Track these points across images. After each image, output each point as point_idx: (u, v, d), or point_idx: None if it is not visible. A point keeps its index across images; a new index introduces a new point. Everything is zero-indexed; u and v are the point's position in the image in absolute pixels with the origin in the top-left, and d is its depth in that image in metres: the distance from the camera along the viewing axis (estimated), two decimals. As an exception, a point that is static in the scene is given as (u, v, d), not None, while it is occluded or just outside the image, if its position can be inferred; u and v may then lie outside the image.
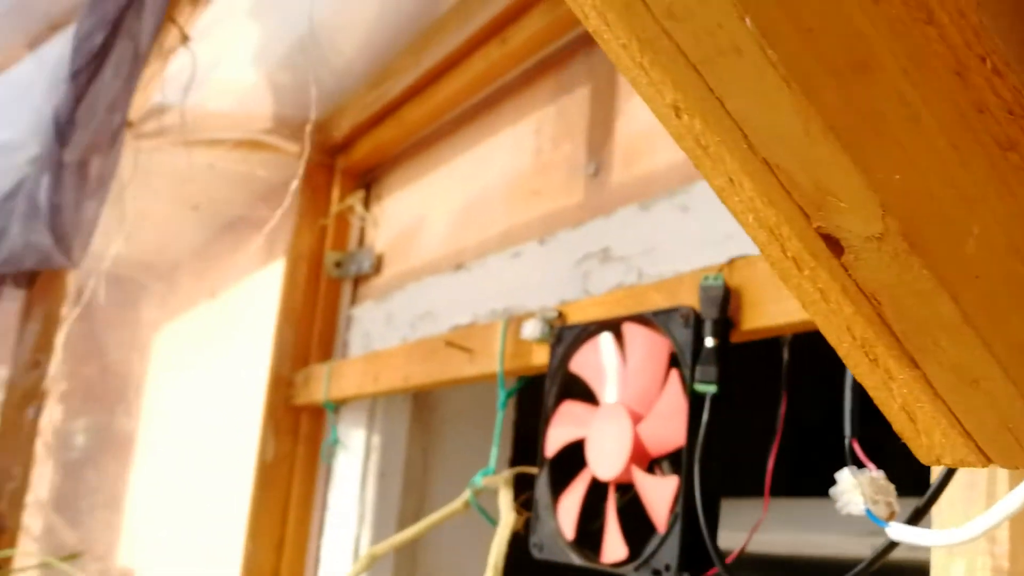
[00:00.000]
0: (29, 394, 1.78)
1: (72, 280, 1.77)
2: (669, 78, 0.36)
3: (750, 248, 0.97)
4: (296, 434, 1.95)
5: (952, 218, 0.36)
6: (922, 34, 0.32)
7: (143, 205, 1.75)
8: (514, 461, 1.62)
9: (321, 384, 1.80)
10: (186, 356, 2.41)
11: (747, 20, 0.31)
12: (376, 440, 1.82)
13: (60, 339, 1.76)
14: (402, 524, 1.78)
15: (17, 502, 1.77)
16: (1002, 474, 0.69)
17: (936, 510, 0.69)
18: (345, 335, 1.98)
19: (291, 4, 1.65)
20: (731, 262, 0.95)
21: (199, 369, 2.33)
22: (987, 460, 0.41)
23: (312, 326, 1.99)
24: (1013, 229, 0.38)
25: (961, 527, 0.62)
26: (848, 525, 1.41)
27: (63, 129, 1.25)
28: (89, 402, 2.27)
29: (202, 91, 1.68)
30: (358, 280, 2.00)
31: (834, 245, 0.37)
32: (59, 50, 1.20)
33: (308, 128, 1.80)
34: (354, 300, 1.99)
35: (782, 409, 0.89)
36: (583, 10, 0.36)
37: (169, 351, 2.54)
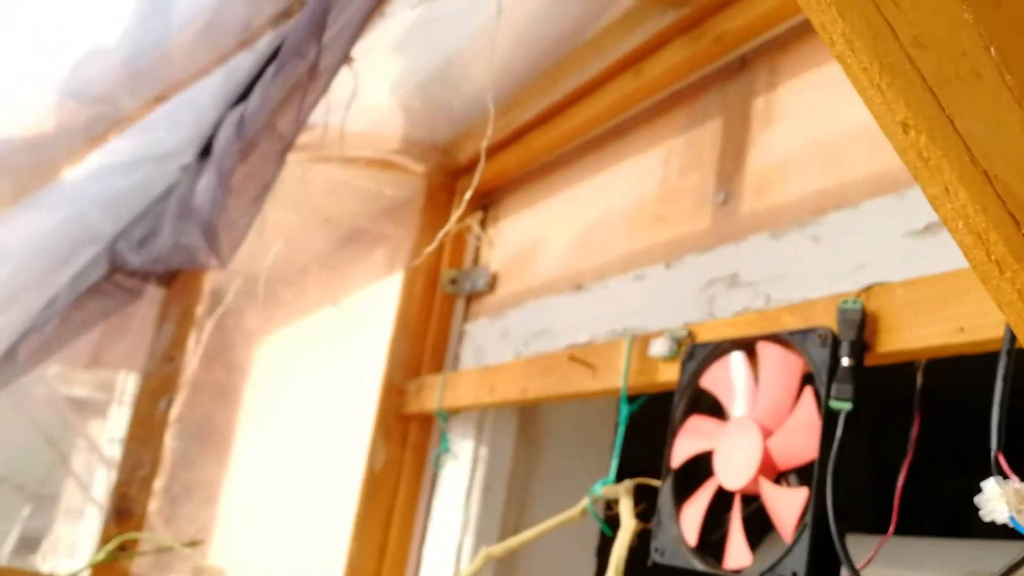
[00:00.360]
0: (162, 387, 1.89)
1: (208, 281, 1.88)
2: (903, 98, 0.42)
3: (884, 277, 1.02)
4: (404, 442, 2.02)
5: None
6: None
7: (278, 214, 1.85)
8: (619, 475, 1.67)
9: (435, 393, 1.88)
10: (305, 359, 2.51)
11: (992, 49, 0.37)
12: (483, 451, 1.89)
13: (194, 337, 1.87)
14: (503, 535, 1.84)
15: (146, 488, 1.88)
16: None
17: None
18: (457, 349, 2.05)
19: (432, 39, 1.75)
20: (868, 288, 1.00)
21: (316, 373, 2.43)
22: None
23: (425, 338, 2.07)
24: None
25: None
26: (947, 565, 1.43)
27: (229, 139, 1.35)
28: (213, 398, 2.39)
29: (341, 113, 1.78)
30: (471, 297, 2.08)
31: (1039, 249, 0.43)
32: (236, 63, 1.31)
33: (431, 149, 1.89)
34: (467, 316, 2.07)
35: (914, 431, 0.93)
36: (831, 37, 0.43)
37: (288, 354, 2.65)
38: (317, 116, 1.72)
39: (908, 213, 1.07)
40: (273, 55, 1.29)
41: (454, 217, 1.56)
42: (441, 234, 1.34)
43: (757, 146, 1.36)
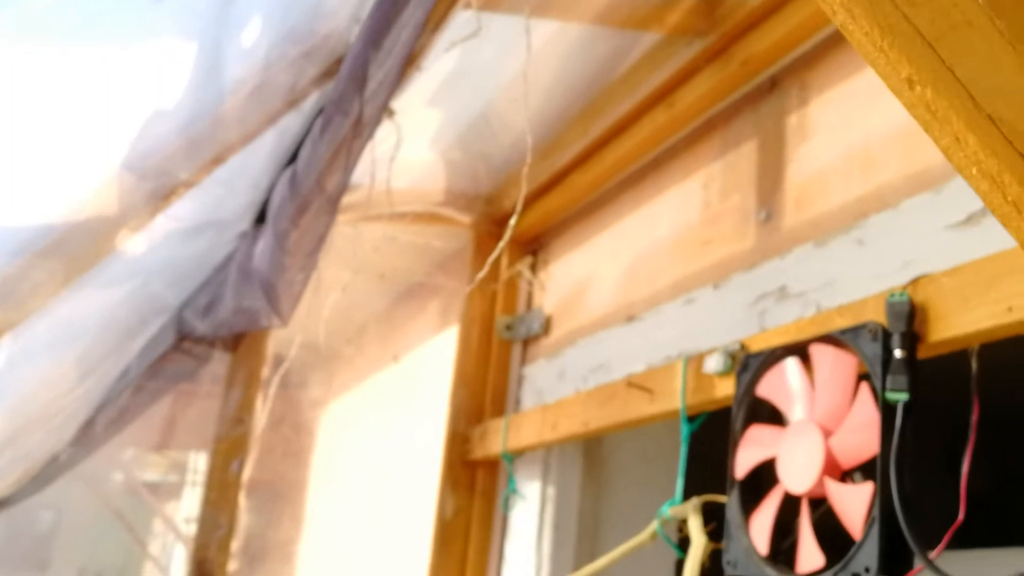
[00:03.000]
0: (233, 450, 1.93)
1: (271, 344, 1.94)
2: (905, 56, 0.45)
3: (930, 270, 1.03)
4: (472, 489, 2.04)
5: None
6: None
7: (332, 274, 1.91)
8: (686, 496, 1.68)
9: (499, 437, 1.90)
10: (370, 415, 2.55)
11: (979, -3, 0.40)
12: (551, 491, 1.90)
13: (261, 398, 1.92)
14: (577, 571, 1.85)
15: (224, 550, 1.92)
16: None
17: None
18: (517, 393, 2.08)
19: (467, 89, 1.81)
20: (915, 280, 1.01)
21: (382, 428, 2.47)
22: None
23: (485, 386, 2.11)
24: None
25: None
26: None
27: (283, 199, 1.41)
28: (284, 458, 2.43)
29: (386, 169, 1.84)
30: (528, 341, 2.11)
31: (1052, 185, 0.45)
32: (284, 125, 1.37)
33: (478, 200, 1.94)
34: (524, 360, 2.10)
35: (974, 417, 0.94)
36: (832, 8, 0.46)
37: (354, 411, 2.69)
38: (363, 175, 1.78)
39: (947, 207, 1.08)
40: (318, 114, 1.35)
41: (489, 259, 1.59)
42: (479, 276, 1.35)
43: (794, 161, 1.38)
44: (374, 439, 2.53)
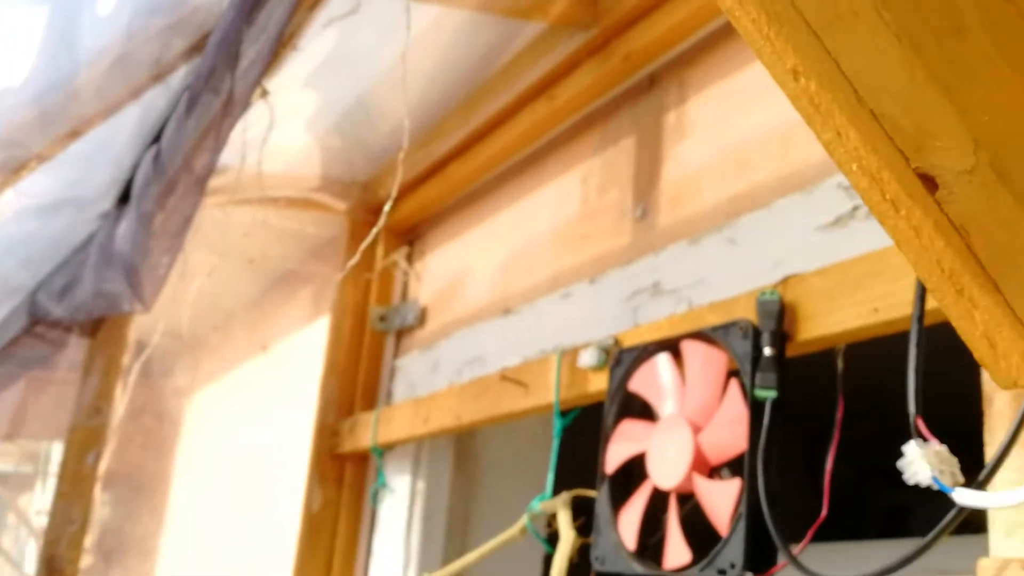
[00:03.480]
0: (89, 441, 1.84)
1: (133, 330, 1.85)
2: (791, 45, 0.44)
3: (799, 270, 1.05)
4: (341, 482, 2.00)
5: (1028, 154, 0.44)
6: (1004, 9, 0.40)
7: (199, 258, 1.83)
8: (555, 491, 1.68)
9: (369, 430, 1.86)
10: (237, 406, 2.47)
11: (866, -15, 0.39)
12: (421, 485, 1.87)
13: (120, 387, 1.84)
14: (446, 566, 1.83)
15: (76, 544, 1.83)
16: (1053, 451, 0.75)
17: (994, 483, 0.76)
18: (389, 385, 2.05)
19: (345, 74, 1.76)
20: (785, 280, 1.02)
21: (249, 418, 2.40)
22: (1059, 376, 0.48)
23: (356, 378, 2.06)
24: (1076, 171, 0.46)
25: (1020, 488, 0.69)
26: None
27: (147, 179, 1.34)
28: (144, 450, 2.33)
29: (258, 152, 1.78)
30: (402, 333, 2.07)
31: (929, 183, 0.45)
32: (150, 101, 1.30)
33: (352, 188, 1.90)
34: (398, 352, 2.07)
35: (839, 414, 0.96)
36: (718, -8, 0.44)
37: (221, 401, 2.60)
38: (233, 156, 1.72)
39: (817, 208, 1.10)
40: (186, 90, 1.29)
41: (362, 246, 1.55)
42: (351, 263, 1.32)
43: (671, 159, 1.39)
44: (241, 430, 2.45)
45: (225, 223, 1.79)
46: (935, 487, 0.71)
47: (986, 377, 0.82)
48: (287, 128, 1.86)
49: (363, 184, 2.06)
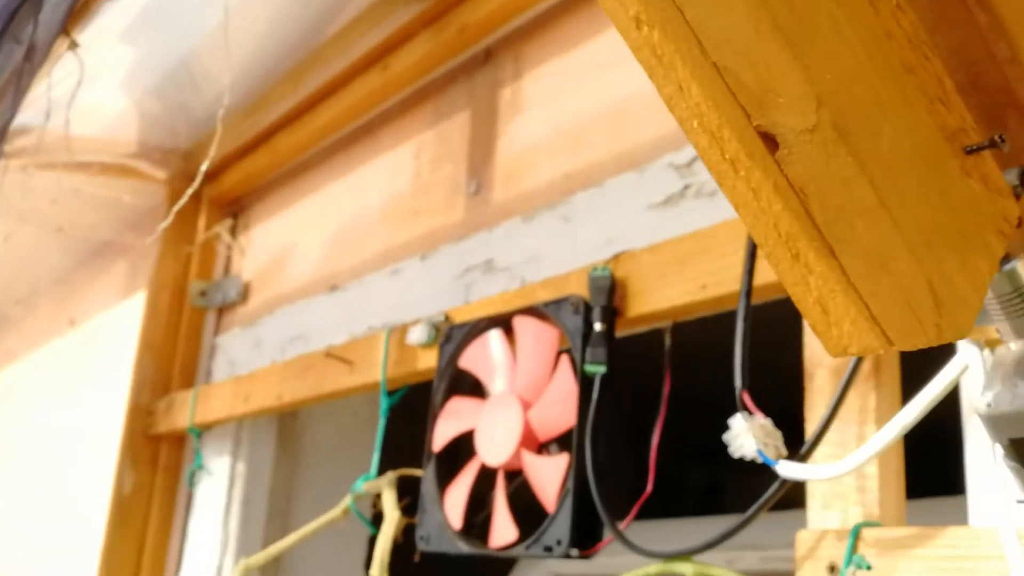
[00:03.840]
0: None
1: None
2: (634, -9, 0.42)
3: (631, 247, 1.05)
4: (155, 464, 1.90)
5: (870, 117, 0.43)
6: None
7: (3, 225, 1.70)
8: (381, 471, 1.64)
9: (186, 410, 1.77)
10: (43, 385, 2.31)
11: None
12: (241, 467, 1.80)
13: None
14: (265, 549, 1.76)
15: None
16: (870, 425, 0.77)
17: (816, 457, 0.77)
18: (209, 364, 1.95)
19: (165, 32, 1.66)
20: (616, 256, 1.02)
21: (56, 399, 2.25)
22: (889, 343, 0.48)
23: (174, 355, 1.96)
24: (913, 135, 0.45)
25: (839, 461, 0.70)
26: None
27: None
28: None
29: (64, 113, 1.66)
30: (223, 309, 1.98)
31: (770, 142, 0.44)
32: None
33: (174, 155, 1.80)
34: (219, 329, 1.98)
35: (665, 391, 0.96)
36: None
37: (24, 380, 2.43)
38: (39, 116, 1.60)
39: (649, 187, 1.10)
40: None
41: (173, 209, 1.46)
42: (161, 226, 1.24)
43: (506, 135, 1.37)
44: (46, 410, 2.29)
45: (28, 187, 1.66)
46: (759, 460, 0.72)
47: (808, 354, 0.84)
48: (101, 88, 1.74)
49: (184, 152, 1.95)
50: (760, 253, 0.78)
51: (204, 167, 1.26)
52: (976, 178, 0.48)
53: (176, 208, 1.34)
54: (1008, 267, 0.53)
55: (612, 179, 1.16)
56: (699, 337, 1.08)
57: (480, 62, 1.46)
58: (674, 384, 1.25)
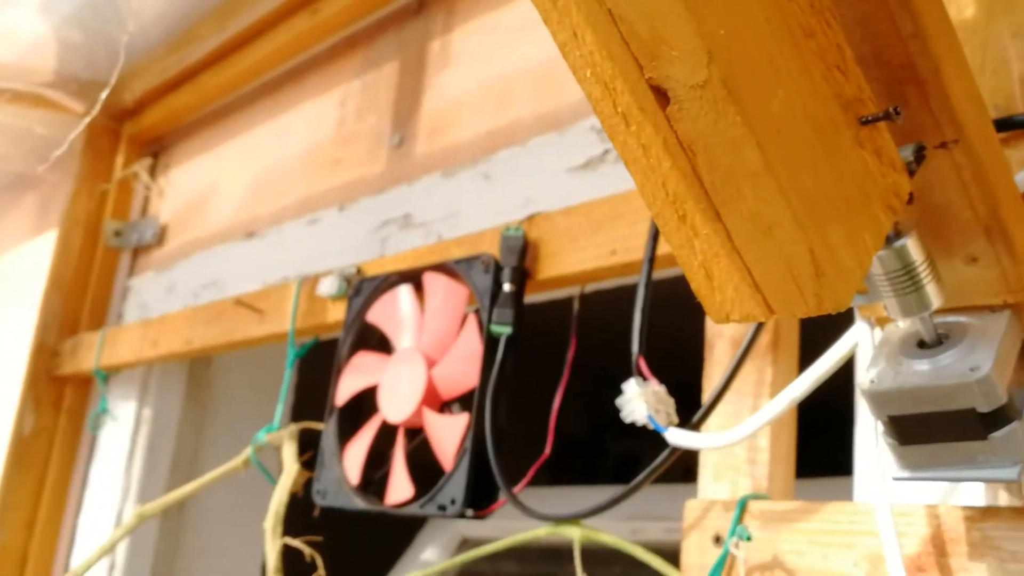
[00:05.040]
0: None
1: None
2: (531, -71, 0.40)
3: (548, 208, 1.04)
4: (59, 406, 1.85)
5: (763, 78, 0.42)
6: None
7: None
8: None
9: (92, 352, 1.72)
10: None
11: None
12: (147, 413, 1.76)
13: None
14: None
15: None
16: (765, 398, 0.77)
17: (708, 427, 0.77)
18: (120, 306, 1.90)
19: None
20: (531, 217, 1.00)
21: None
22: (770, 311, 0.47)
23: (84, 296, 1.91)
24: (807, 100, 0.45)
25: (729, 431, 0.70)
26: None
27: None
28: None
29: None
30: (138, 251, 1.93)
31: (661, 96, 0.43)
32: None
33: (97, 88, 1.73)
34: (133, 271, 1.93)
35: (570, 355, 0.95)
36: None
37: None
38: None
39: (570, 149, 1.09)
40: None
41: (70, 137, 1.42)
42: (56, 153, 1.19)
43: (433, 88, 1.34)
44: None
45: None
46: (650, 426, 0.71)
47: (709, 324, 0.83)
48: (17, 11, 1.67)
49: (105, 86, 1.89)
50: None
51: (104, 95, 1.20)
52: (869, 150, 0.48)
53: (71, 136, 1.29)
54: (898, 244, 0.52)
55: (535, 139, 1.15)
56: (627, 307, 1.08)
57: (412, 12, 1.43)
58: (598, 354, 1.24)
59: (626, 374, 0.76)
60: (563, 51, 0.44)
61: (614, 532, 1.61)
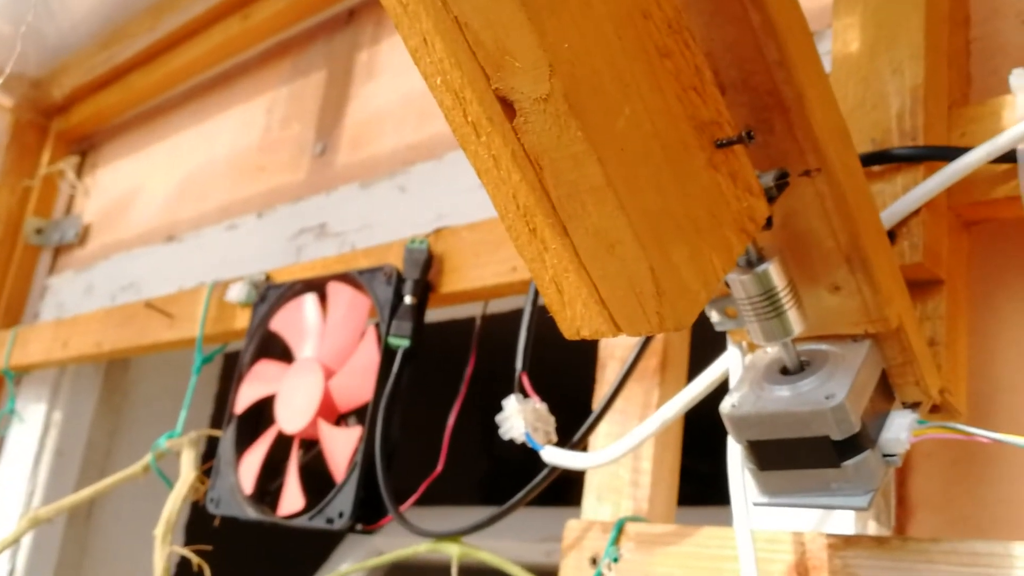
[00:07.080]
0: None
1: None
2: (379, -68, 0.40)
3: (459, 222, 1.03)
4: (-34, 405, 1.80)
5: (609, 94, 0.42)
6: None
7: None
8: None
9: (3, 351, 1.69)
10: None
11: None
12: (57, 415, 1.72)
13: None
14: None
15: None
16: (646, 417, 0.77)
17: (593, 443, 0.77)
18: (37, 305, 1.87)
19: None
20: (438, 231, 1.00)
21: None
22: (617, 329, 0.47)
23: (0, 293, 1.87)
24: (656, 120, 0.44)
25: (601, 451, 0.69)
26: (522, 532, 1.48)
27: None
28: None
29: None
30: (59, 250, 1.90)
31: (508, 108, 0.42)
32: None
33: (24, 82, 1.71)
34: (53, 270, 1.89)
35: (469, 370, 0.94)
36: None
37: None
38: None
39: (485, 165, 1.09)
40: None
41: None
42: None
43: (357, 99, 1.34)
44: None
45: None
46: (528, 444, 0.71)
47: (603, 344, 0.83)
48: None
49: (34, 80, 1.86)
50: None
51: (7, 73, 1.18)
52: (724, 173, 0.48)
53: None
54: (760, 268, 0.53)
55: (451, 154, 1.15)
56: (550, 327, 1.07)
57: (342, 22, 1.42)
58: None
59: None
60: (414, 57, 0.44)
61: (529, 553, 1.61)
